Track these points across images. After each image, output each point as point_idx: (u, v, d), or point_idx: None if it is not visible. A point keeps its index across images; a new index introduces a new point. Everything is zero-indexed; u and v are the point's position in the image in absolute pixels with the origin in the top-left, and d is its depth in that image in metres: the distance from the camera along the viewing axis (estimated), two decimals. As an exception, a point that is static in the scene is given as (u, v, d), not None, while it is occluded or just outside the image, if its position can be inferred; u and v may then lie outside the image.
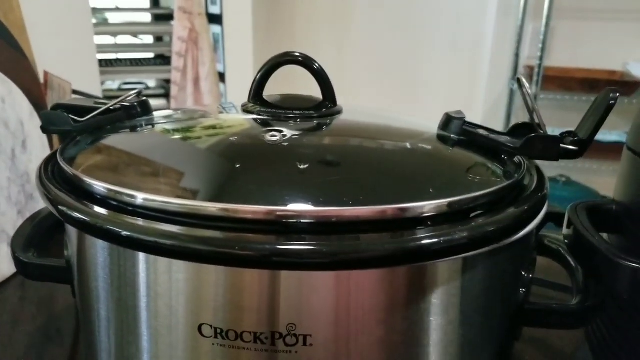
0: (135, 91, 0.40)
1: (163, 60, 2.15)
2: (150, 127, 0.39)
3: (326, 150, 0.35)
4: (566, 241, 0.36)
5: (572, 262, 0.36)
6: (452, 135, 0.36)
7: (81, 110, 0.37)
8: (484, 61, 1.95)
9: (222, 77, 2.10)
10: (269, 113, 0.38)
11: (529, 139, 0.33)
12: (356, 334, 0.28)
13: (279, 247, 0.25)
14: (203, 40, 1.95)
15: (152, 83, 2.38)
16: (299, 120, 0.37)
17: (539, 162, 0.37)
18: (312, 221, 0.27)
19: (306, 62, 0.38)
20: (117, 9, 2.45)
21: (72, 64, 0.96)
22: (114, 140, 0.36)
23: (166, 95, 2.16)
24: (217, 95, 2.03)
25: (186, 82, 1.98)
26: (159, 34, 2.32)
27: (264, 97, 0.40)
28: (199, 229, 0.26)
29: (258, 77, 0.39)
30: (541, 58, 1.78)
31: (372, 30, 2.08)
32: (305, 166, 0.31)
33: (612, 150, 1.44)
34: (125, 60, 2.17)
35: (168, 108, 0.83)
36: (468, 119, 0.36)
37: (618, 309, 0.36)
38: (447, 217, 0.28)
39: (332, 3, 2.12)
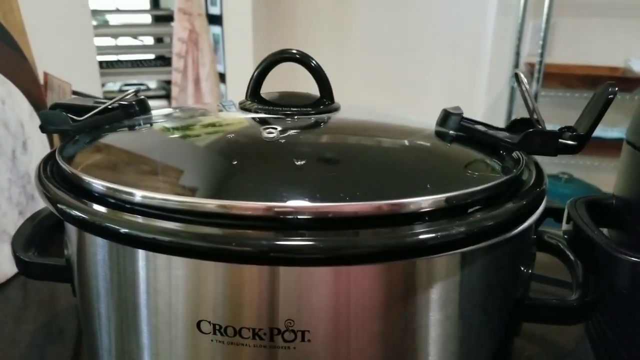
0: (133, 90, 0.40)
1: (163, 61, 2.16)
2: (148, 125, 0.39)
3: (324, 146, 0.35)
4: (565, 236, 0.36)
5: (571, 257, 0.36)
6: (450, 131, 0.36)
7: (80, 110, 0.38)
8: (485, 59, 1.95)
9: (222, 77, 2.10)
10: (267, 110, 0.38)
11: (527, 134, 0.33)
12: (355, 330, 0.28)
13: (277, 242, 0.25)
14: (203, 41, 1.95)
15: (152, 84, 2.39)
16: (296, 117, 0.37)
17: (539, 159, 0.37)
18: (310, 217, 0.27)
19: (303, 59, 0.38)
20: (118, 11, 2.47)
21: (72, 65, 0.96)
22: (112, 138, 0.36)
23: (167, 96, 2.16)
24: (218, 96, 2.03)
25: (187, 83, 1.99)
26: (159, 35, 2.33)
27: (262, 95, 0.40)
28: (198, 225, 0.26)
29: (255, 74, 0.39)
30: (542, 55, 1.78)
31: (372, 30, 2.08)
32: (303, 162, 0.31)
33: (613, 147, 1.42)
34: (126, 61, 2.18)
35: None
36: (469, 116, 0.36)
37: (618, 304, 0.36)
38: (445, 213, 0.28)
39: (332, 3, 2.12)
